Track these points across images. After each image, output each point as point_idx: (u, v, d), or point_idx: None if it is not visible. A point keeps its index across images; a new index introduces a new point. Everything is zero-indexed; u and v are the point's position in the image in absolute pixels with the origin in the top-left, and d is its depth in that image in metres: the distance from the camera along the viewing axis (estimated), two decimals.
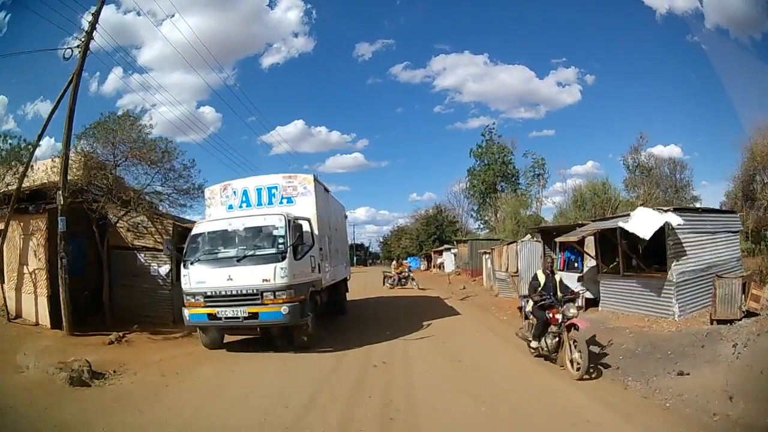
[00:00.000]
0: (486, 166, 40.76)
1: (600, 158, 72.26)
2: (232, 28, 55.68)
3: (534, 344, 6.85)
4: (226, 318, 7.71)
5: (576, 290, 7.64)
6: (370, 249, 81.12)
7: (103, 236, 10.42)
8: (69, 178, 9.26)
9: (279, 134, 57.58)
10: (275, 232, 7.88)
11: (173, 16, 46.75)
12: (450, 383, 6.05)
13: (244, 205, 9.44)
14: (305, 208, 9.01)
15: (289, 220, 7.93)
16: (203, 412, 5.11)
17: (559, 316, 6.34)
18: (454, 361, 7.21)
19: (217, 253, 8.16)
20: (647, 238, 8.23)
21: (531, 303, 6.89)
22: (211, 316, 7.77)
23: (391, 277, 22.05)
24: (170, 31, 46.10)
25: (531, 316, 7.00)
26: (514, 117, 68.58)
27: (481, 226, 41.45)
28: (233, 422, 4.73)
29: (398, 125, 67.00)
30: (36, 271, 9.39)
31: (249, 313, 7.57)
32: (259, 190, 9.44)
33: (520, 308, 8.23)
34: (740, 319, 6.88)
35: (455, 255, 33.94)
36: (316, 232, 8.87)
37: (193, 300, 7.91)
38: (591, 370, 5.94)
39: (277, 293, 7.49)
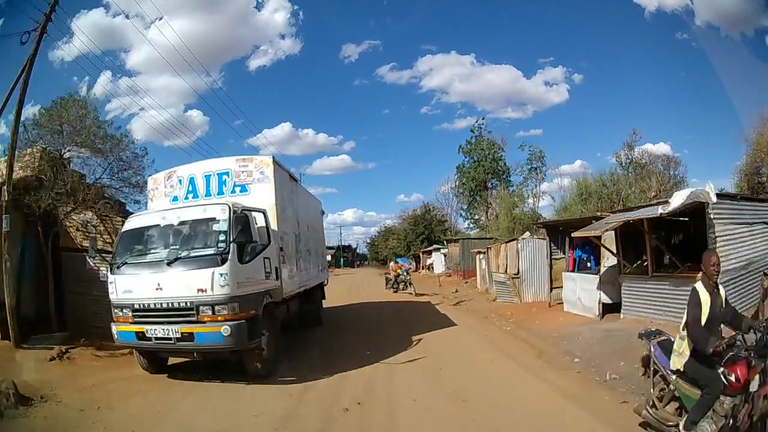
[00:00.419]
0: (476, 163, 39.10)
1: (588, 158, 72.39)
2: (219, 31, 54.23)
3: None
4: (156, 339, 5.97)
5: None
6: (358, 250, 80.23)
7: (47, 236, 9.06)
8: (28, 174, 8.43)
9: (266, 137, 56.02)
10: (215, 227, 6.01)
11: (161, 19, 44.29)
12: None
13: (190, 196, 7.63)
14: (261, 197, 7.15)
15: (234, 211, 6.09)
16: None
17: (755, 376, 3.15)
18: (458, 401, 5.23)
19: (146, 254, 6.38)
20: (676, 208, 7.01)
21: (685, 351, 3.49)
22: (140, 336, 6.06)
23: (390, 279, 20.56)
24: (157, 35, 43.64)
25: (678, 381, 3.60)
26: (501, 117, 68.20)
27: (472, 225, 39.98)
28: None
29: (385, 126, 66.03)
30: None
31: (182, 333, 5.78)
32: (207, 177, 7.60)
33: (644, 361, 4.12)
34: None
35: (445, 255, 32.55)
36: (274, 227, 7.03)
37: (120, 314, 6.23)
38: None
39: (216, 308, 5.66)
